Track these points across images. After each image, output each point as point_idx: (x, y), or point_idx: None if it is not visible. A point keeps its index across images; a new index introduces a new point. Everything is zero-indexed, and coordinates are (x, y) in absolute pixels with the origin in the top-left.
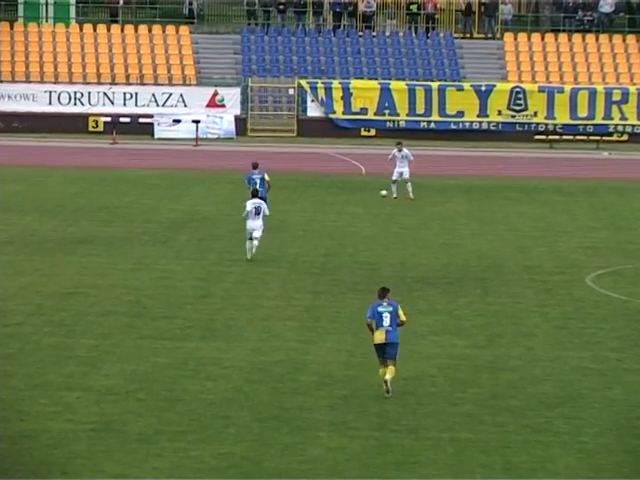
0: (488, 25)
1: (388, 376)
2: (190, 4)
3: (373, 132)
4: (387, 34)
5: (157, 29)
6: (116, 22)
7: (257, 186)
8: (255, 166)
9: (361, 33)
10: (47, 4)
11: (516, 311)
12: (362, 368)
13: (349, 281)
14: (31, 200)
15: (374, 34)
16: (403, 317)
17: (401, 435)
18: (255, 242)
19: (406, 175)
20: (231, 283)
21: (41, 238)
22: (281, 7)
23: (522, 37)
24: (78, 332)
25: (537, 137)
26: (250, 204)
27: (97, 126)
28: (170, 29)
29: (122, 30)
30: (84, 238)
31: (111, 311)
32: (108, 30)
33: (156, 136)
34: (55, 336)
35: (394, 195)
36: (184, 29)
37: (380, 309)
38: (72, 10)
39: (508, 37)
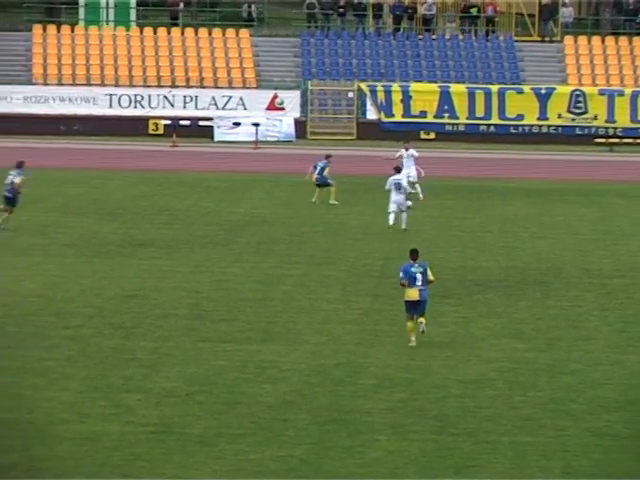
0: (546, 28)
1: (422, 322)
2: (249, 7)
3: (433, 135)
4: (447, 37)
5: (217, 32)
6: (176, 25)
7: (317, 173)
8: (327, 156)
9: (421, 36)
10: (108, 7)
11: (576, 314)
12: (421, 371)
13: None
14: (92, 203)
15: (434, 37)
16: (432, 277)
17: (460, 438)
18: (404, 215)
19: (413, 175)
20: (291, 286)
21: (101, 241)
22: (341, 10)
23: (582, 40)
24: (138, 335)
25: (597, 140)
26: (391, 180)
27: (157, 129)
28: (230, 32)
29: (182, 33)
30: (144, 241)
31: (171, 314)
32: (168, 33)
33: (216, 139)
34: (115, 338)
35: (420, 196)
36: (244, 32)
37: (413, 270)
38: (133, 13)
39: (568, 40)
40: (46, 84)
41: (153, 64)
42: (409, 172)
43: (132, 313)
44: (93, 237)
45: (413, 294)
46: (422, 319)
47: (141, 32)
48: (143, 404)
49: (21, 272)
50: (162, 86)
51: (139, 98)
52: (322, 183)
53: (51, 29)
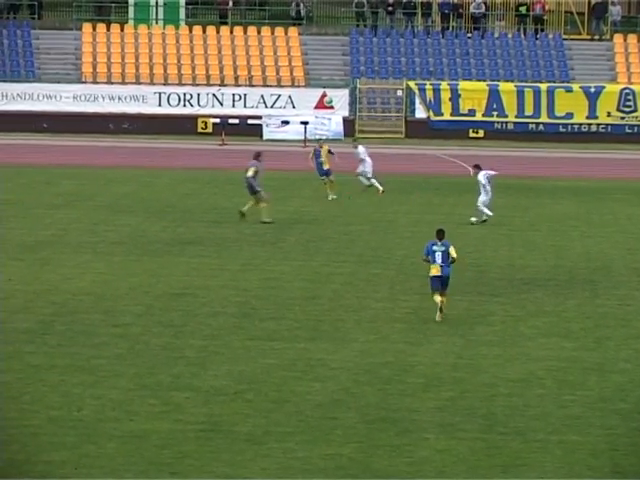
0: (597, 26)
1: (442, 301)
2: (298, 5)
3: (482, 133)
4: (496, 35)
5: (266, 31)
6: (225, 24)
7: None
8: (257, 155)
9: (470, 34)
10: (157, 6)
11: (625, 313)
12: (469, 370)
13: (457, 282)
14: (140, 201)
15: (482, 36)
16: (454, 254)
17: (509, 437)
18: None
19: (368, 170)
20: (339, 284)
21: (150, 239)
22: (390, 8)
23: (632, 38)
24: (187, 333)
25: None
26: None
27: (206, 127)
28: (279, 31)
29: (231, 32)
30: (193, 239)
31: (220, 312)
32: (217, 32)
33: (265, 137)
34: (164, 336)
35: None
36: (293, 30)
37: (435, 248)
38: (182, 12)
39: (618, 38)
40: (95, 82)
41: (202, 63)
42: (363, 169)
43: (181, 311)
44: (142, 235)
45: (435, 270)
46: (442, 299)
47: (190, 31)
48: (192, 402)
49: (70, 270)
50: (211, 85)
51: (188, 97)
52: (251, 189)
53: (101, 28)
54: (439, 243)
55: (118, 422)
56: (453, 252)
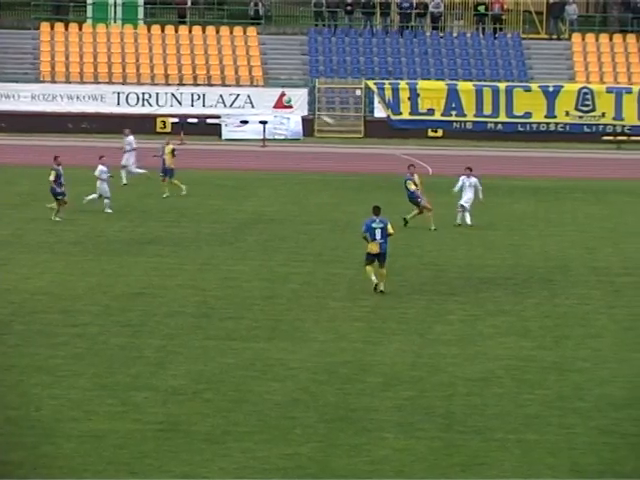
0: (554, 26)
1: (380, 281)
2: (256, 5)
3: (440, 133)
4: (454, 35)
5: (224, 30)
6: (184, 23)
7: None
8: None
9: (428, 34)
10: (115, 5)
11: (583, 312)
12: (428, 369)
13: (415, 282)
14: (98, 201)
15: (441, 35)
16: (391, 230)
17: (467, 436)
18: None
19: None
20: (298, 284)
21: (108, 238)
22: (348, 8)
23: (590, 38)
24: (145, 332)
25: (605, 138)
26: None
27: (165, 127)
28: (237, 30)
29: (190, 31)
30: (152, 239)
31: (178, 311)
32: (176, 31)
33: (223, 137)
34: (122, 336)
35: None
36: (251, 30)
37: (373, 225)
38: (140, 11)
39: (576, 38)
40: (54, 82)
41: (161, 62)
42: (128, 162)
43: (139, 311)
44: (100, 235)
45: (374, 248)
46: (382, 272)
47: (149, 30)
48: (150, 402)
49: (29, 270)
50: (170, 84)
51: (147, 96)
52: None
53: (59, 27)
54: (377, 220)
55: (76, 422)
56: (390, 228)
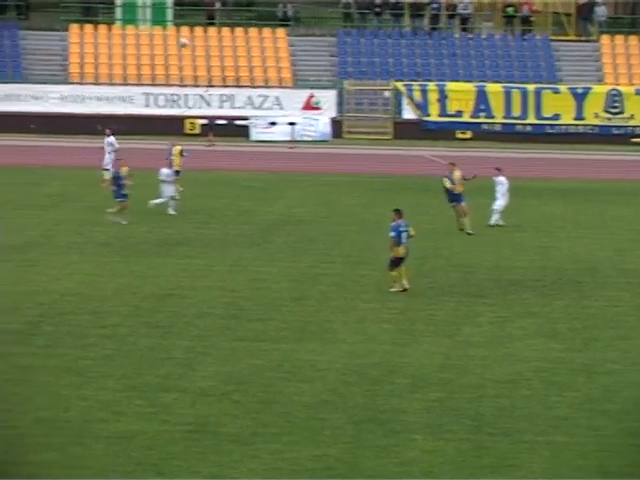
0: (583, 27)
1: (405, 278)
2: (285, 7)
3: (469, 134)
4: (483, 36)
5: (253, 32)
6: (213, 25)
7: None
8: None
9: (457, 35)
10: (145, 7)
11: (612, 314)
12: (457, 371)
13: (444, 284)
14: (131, 202)
15: (470, 36)
16: (413, 233)
17: (496, 438)
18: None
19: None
20: (326, 285)
21: (138, 240)
22: (377, 9)
23: (619, 39)
24: (174, 333)
25: (634, 140)
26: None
27: (194, 128)
28: (266, 32)
29: (219, 32)
30: (180, 240)
31: (207, 313)
32: (205, 32)
33: (252, 138)
34: (151, 337)
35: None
36: (280, 32)
37: (401, 229)
38: (169, 13)
39: (605, 39)
40: (83, 83)
41: (190, 63)
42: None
43: (168, 312)
44: (129, 236)
45: (402, 251)
46: (405, 270)
47: (178, 32)
48: (179, 403)
49: (58, 271)
50: (198, 85)
51: (176, 97)
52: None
53: (88, 29)
54: (402, 224)
55: (105, 423)
56: (412, 231)
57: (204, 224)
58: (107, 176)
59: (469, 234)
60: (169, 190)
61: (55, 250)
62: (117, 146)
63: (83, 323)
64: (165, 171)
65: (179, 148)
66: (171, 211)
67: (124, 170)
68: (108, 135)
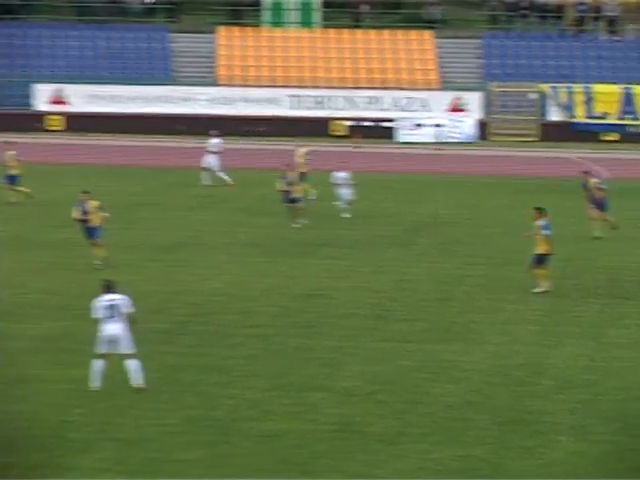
0: None
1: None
2: (431, 9)
3: (616, 137)
4: (631, 38)
5: (400, 34)
6: (360, 27)
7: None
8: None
9: (604, 37)
10: (292, 9)
11: None
12: (602, 372)
13: (590, 285)
14: (274, 203)
15: (617, 38)
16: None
17: None
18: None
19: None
20: (471, 286)
21: (284, 240)
22: (524, 11)
23: None
24: (320, 333)
25: None
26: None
27: (339, 130)
28: (413, 34)
29: (366, 35)
30: (326, 241)
31: (353, 313)
32: (352, 35)
33: (399, 139)
34: (298, 337)
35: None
36: (427, 34)
37: (549, 225)
38: (316, 15)
39: None
40: (231, 85)
41: (336, 65)
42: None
43: (314, 312)
44: (275, 237)
45: (548, 247)
46: (546, 274)
47: (325, 34)
48: (325, 402)
49: (206, 271)
50: (345, 87)
51: (321, 99)
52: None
53: (235, 31)
54: (543, 222)
55: (253, 422)
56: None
57: (349, 225)
58: (205, 177)
59: (596, 238)
60: (345, 193)
61: (203, 250)
62: (222, 148)
63: (230, 323)
64: (339, 174)
65: (303, 150)
66: (345, 214)
67: (291, 175)
68: (214, 137)
